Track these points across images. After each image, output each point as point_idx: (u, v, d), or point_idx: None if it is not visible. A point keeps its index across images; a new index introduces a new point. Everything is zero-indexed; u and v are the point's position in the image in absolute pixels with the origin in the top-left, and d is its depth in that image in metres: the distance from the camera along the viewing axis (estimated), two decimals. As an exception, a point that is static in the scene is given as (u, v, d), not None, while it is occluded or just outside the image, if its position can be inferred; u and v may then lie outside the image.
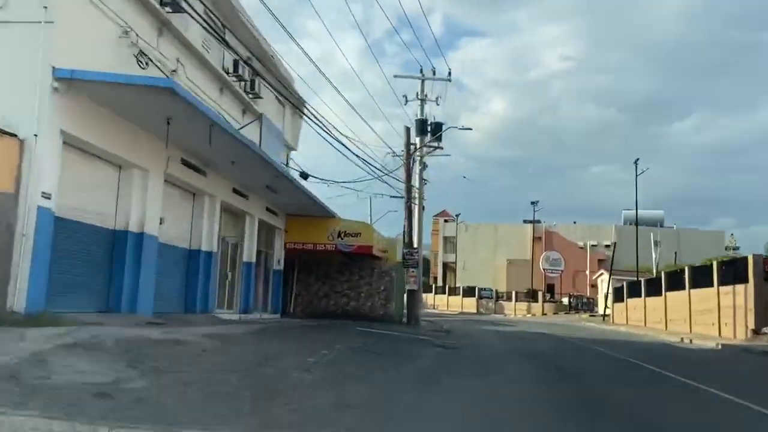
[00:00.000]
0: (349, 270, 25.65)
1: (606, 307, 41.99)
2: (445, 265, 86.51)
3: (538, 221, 75.85)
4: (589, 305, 58.58)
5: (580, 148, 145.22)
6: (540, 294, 59.19)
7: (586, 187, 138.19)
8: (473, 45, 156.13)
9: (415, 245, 25.57)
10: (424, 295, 74.63)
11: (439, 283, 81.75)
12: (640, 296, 35.07)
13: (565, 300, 61.60)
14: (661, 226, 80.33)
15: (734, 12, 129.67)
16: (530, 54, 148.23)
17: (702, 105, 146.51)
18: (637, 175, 41.65)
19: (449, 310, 65.46)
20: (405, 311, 25.37)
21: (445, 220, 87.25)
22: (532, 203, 61.70)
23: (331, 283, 25.65)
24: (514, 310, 59.00)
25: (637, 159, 41.67)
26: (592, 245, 77.40)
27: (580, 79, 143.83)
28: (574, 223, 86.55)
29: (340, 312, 25.34)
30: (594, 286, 69.03)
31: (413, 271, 24.97)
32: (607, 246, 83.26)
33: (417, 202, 25.93)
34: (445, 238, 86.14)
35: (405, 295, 25.31)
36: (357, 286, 25.59)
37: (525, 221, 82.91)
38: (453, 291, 70.12)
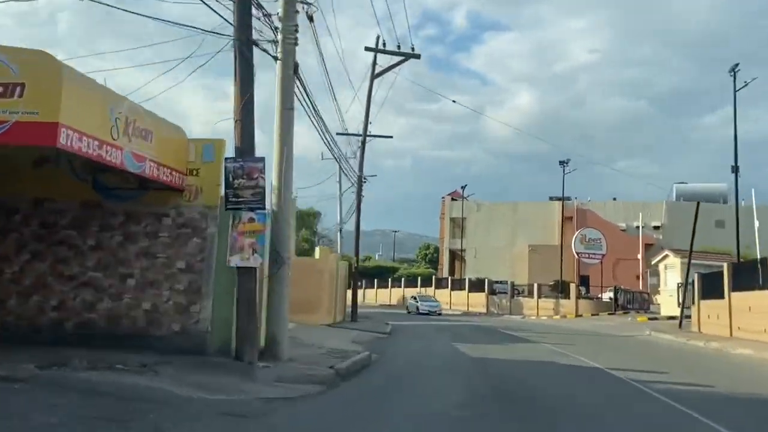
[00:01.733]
0: (101, 222, 10.19)
1: (684, 306, 25.86)
2: (453, 254, 70.21)
3: (568, 198, 59.48)
4: (644, 304, 41.84)
5: (608, 142, 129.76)
6: (572, 287, 42.08)
7: (613, 182, 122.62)
8: (498, 39, 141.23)
9: (275, 159, 9.99)
10: (422, 290, 57.78)
11: (446, 274, 65.68)
12: (761, 288, 19.21)
13: (606, 296, 44.45)
14: (725, 202, 63.76)
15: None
16: (556, 47, 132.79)
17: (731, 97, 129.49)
18: (735, 91, 25.44)
19: (453, 308, 49.87)
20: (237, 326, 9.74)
21: (453, 199, 70.92)
22: (561, 163, 44.67)
23: (59, 254, 10.19)
24: (537, 310, 42.68)
25: (737, 64, 25.31)
26: (639, 226, 60.71)
27: (607, 71, 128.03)
28: (614, 199, 69.81)
29: (71, 328, 9.92)
30: (641, 277, 52.99)
31: (255, 221, 9.40)
32: (656, 227, 66.89)
33: (280, 47, 10.37)
34: (452, 220, 69.85)
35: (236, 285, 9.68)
36: (119, 262, 10.08)
37: (551, 198, 66.80)
38: (457, 284, 54.09)
